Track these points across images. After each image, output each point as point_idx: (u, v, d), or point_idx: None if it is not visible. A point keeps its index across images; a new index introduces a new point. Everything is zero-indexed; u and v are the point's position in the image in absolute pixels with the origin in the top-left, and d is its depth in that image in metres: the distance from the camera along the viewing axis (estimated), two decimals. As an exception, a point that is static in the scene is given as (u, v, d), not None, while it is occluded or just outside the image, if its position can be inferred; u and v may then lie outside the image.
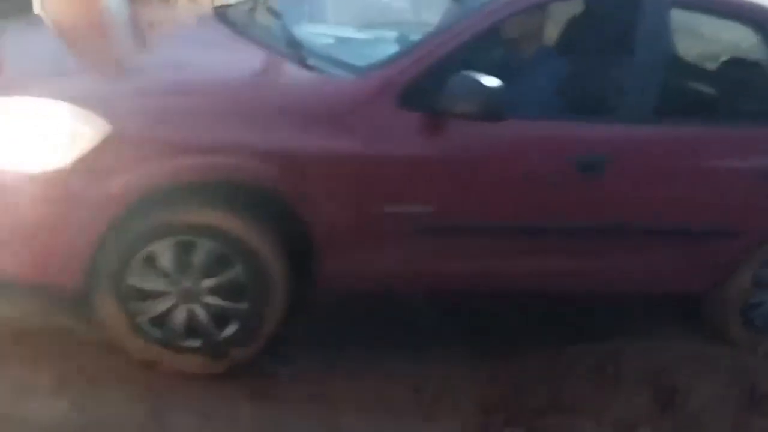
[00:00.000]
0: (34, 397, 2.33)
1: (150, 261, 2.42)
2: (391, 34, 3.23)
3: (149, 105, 2.39)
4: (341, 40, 3.14)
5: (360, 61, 2.68)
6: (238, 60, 2.83)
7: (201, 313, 2.50)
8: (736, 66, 3.43)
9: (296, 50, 2.70)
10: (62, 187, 2.28)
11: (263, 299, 2.53)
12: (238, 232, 2.43)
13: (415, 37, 2.90)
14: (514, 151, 2.78)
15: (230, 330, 2.55)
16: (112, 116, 2.28)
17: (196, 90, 2.51)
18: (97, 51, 2.90)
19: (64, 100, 2.30)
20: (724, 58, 3.55)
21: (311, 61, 2.67)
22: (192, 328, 2.51)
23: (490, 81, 2.53)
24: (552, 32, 3.29)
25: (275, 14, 2.99)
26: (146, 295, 2.46)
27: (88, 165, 2.27)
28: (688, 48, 3.50)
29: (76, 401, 2.34)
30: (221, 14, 3.29)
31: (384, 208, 2.61)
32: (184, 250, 2.44)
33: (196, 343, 2.53)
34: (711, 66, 3.55)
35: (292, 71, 2.69)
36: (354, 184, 2.55)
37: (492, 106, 2.55)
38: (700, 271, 3.14)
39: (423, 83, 2.59)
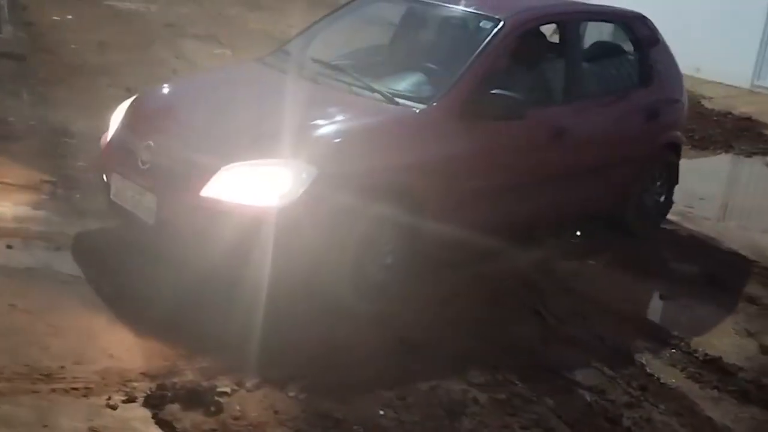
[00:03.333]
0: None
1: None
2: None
3: (333, 151, 3.66)
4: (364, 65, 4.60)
5: (421, 92, 4.11)
6: (358, 108, 4.02)
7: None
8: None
9: (382, 93, 4.03)
10: (293, 213, 3.45)
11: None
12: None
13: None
14: (527, 132, 4.29)
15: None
16: (316, 162, 3.52)
17: (355, 135, 3.79)
18: (278, 111, 3.88)
19: (288, 158, 3.54)
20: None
21: (396, 99, 3.99)
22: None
23: (515, 94, 4.02)
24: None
25: (334, 67, 4.39)
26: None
27: (308, 197, 3.46)
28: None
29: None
30: (275, 65, 4.56)
31: (464, 186, 4.02)
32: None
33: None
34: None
35: (392, 109, 3.98)
36: (447, 174, 3.95)
37: (517, 110, 4.05)
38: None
39: (470, 101, 4.00)
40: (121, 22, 10.83)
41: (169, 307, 3.62)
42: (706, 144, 7.84)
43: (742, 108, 8.94)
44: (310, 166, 3.51)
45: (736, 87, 9.91)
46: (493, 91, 3.98)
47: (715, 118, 8.30)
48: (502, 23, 4.31)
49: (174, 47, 9.57)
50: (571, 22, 4.81)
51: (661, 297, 4.50)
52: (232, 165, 3.53)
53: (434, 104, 3.98)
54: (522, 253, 4.71)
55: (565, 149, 4.53)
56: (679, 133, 5.46)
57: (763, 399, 3.58)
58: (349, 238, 3.64)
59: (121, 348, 3.30)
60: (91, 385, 3.02)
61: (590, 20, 5.42)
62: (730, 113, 8.72)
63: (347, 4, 5.16)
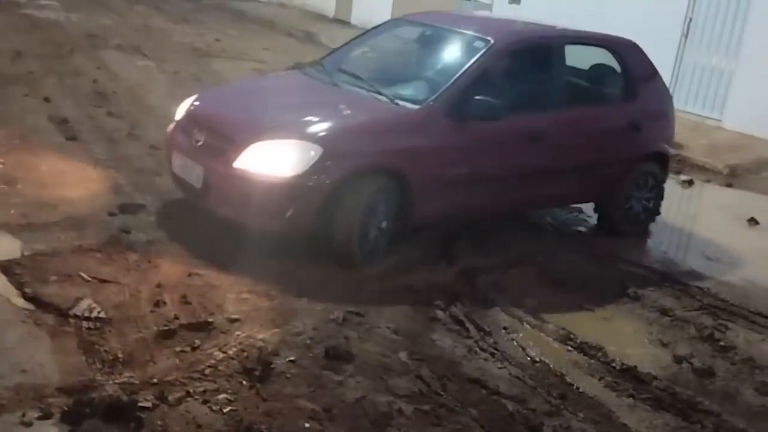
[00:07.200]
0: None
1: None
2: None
3: (337, 135, 4.64)
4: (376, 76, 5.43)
5: (418, 96, 4.99)
6: (364, 105, 4.99)
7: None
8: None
9: (387, 96, 4.98)
10: (302, 183, 4.42)
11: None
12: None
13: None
14: (506, 133, 5.16)
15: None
16: (322, 143, 4.47)
17: (357, 126, 4.84)
18: (302, 106, 5.05)
19: (300, 139, 4.53)
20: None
21: (397, 101, 4.95)
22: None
23: (493, 99, 4.87)
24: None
25: (354, 75, 5.36)
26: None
27: (314, 170, 4.42)
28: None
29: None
30: (309, 73, 5.69)
31: (447, 172, 4.92)
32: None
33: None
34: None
35: (392, 107, 4.93)
36: (432, 160, 4.84)
37: (494, 113, 4.91)
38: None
39: (456, 104, 4.90)
40: (39, 32, 10.54)
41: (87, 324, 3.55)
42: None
43: (655, 129, 9.32)
44: (317, 145, 4.45)
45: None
46: (477, 97, 4.85)
47: (630, 139, 8.60)
48: (491, 42, 5.20)
49: (95, 58, 9.36)
50: (554, 45, 5.63)
51: (580, 308, 4.63)
52: (257, 143, 4.49)
53: (427, 105, 4.88)
54: (445, 264, 4.80)
55: (540, 150, 5.30)
56: (664, 144, 6.10)
57: (676, 406, 3.72)
58: (351, 205, 4.49)
59: (35, 363, 3.19)
60: (4, 402, 2.92)
61: (573, 44, 5.88)
62: (645, 134, 9.08)
63: (376, 27, 6.26)
